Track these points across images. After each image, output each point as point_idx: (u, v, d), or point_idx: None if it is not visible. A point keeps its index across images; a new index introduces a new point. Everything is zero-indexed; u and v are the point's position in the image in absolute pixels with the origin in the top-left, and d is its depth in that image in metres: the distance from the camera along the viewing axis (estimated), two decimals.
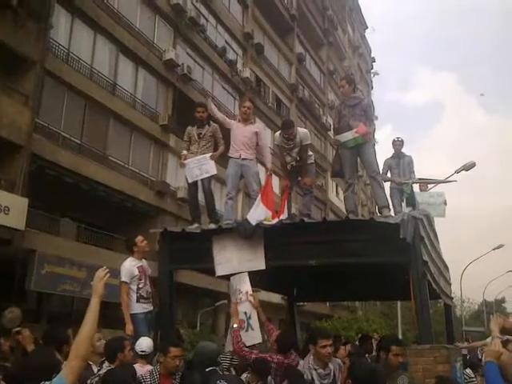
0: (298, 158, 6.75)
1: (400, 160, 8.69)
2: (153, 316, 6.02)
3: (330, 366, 4.46)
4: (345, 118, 6.51)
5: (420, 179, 8.39)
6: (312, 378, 4.44)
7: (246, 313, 5.67)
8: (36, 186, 14.07)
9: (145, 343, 5.01)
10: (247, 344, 5.28)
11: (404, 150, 8.87)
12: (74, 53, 16.79)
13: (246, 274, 5.78)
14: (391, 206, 7.22)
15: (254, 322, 5.62)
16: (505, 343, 3.30)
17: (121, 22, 18.66)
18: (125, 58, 19.08)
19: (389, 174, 8.69)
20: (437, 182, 8.26)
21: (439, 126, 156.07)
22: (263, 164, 7.34)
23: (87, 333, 2.79)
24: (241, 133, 6.89)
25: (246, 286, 5.75)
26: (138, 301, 5.94)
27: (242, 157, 6.79)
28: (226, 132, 7.17)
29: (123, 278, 5.97)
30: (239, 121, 7.10)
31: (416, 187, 8.66)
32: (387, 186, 8.34)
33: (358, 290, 8.38)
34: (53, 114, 15.80)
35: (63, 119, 16.13)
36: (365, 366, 3.89)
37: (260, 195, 6.04)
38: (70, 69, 16.47)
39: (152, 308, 6.02)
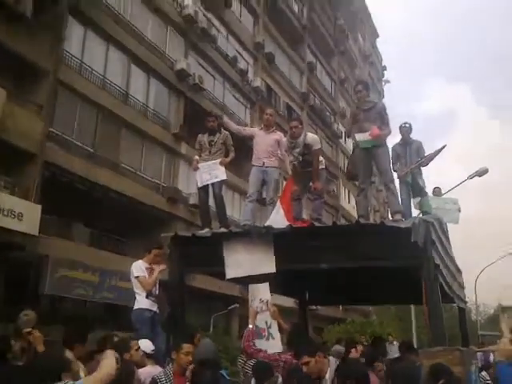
0: (301, 159, 6.81)
1: (407, 147, 7.85)
2: (158, 318, 6.06)
3: None
4: (360, 122, 6.55)
5: (417, 162, 7.87)
6: None
7: (266, 322, 5.67)
8: (49, 193, 14.22)
9: (149, 344, 5.07)
10: (268, 352, 5.27)
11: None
12: (87, 63, 17.01)
13: (267, 284, 5.79)
14: (399, 198, 7.05)
15: (275, 331, 5.62)
16: None
17: (133, 32, 18.86)
18: (137, 68, 19.28)
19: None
20: (432, 156, 7.79)
21: (452, 136, 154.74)
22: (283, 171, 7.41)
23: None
24: (264, 141, 7.03)
25: (266, 295, 5.76)
26: (147, 297, 6.03)
27: (266, 165, 6.90)
28: (241, 140, 7.24)
29: (136, 274, 6.08)
30: (261, 129, 7.26)
31: (429, 191, 8.32)
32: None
33: (370, 293, 8.34)
34: (66, 123, 16.00)
35: (76, 128, 16.33)
36: (353, 366, 3.80)
37: (279, 201, 6.08)
38: (83, 79, 16.69)
39: (157, 310, 6.07)
